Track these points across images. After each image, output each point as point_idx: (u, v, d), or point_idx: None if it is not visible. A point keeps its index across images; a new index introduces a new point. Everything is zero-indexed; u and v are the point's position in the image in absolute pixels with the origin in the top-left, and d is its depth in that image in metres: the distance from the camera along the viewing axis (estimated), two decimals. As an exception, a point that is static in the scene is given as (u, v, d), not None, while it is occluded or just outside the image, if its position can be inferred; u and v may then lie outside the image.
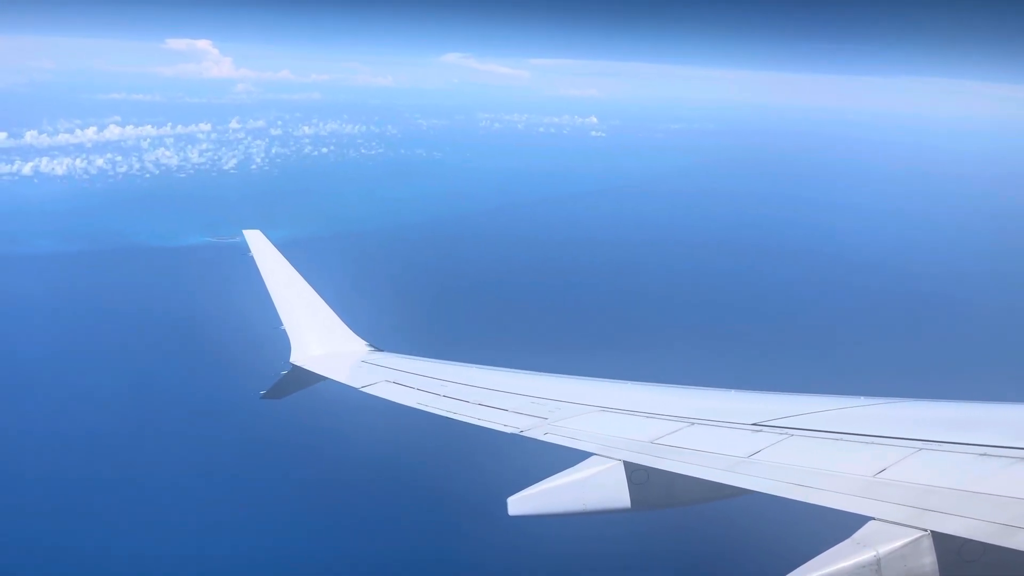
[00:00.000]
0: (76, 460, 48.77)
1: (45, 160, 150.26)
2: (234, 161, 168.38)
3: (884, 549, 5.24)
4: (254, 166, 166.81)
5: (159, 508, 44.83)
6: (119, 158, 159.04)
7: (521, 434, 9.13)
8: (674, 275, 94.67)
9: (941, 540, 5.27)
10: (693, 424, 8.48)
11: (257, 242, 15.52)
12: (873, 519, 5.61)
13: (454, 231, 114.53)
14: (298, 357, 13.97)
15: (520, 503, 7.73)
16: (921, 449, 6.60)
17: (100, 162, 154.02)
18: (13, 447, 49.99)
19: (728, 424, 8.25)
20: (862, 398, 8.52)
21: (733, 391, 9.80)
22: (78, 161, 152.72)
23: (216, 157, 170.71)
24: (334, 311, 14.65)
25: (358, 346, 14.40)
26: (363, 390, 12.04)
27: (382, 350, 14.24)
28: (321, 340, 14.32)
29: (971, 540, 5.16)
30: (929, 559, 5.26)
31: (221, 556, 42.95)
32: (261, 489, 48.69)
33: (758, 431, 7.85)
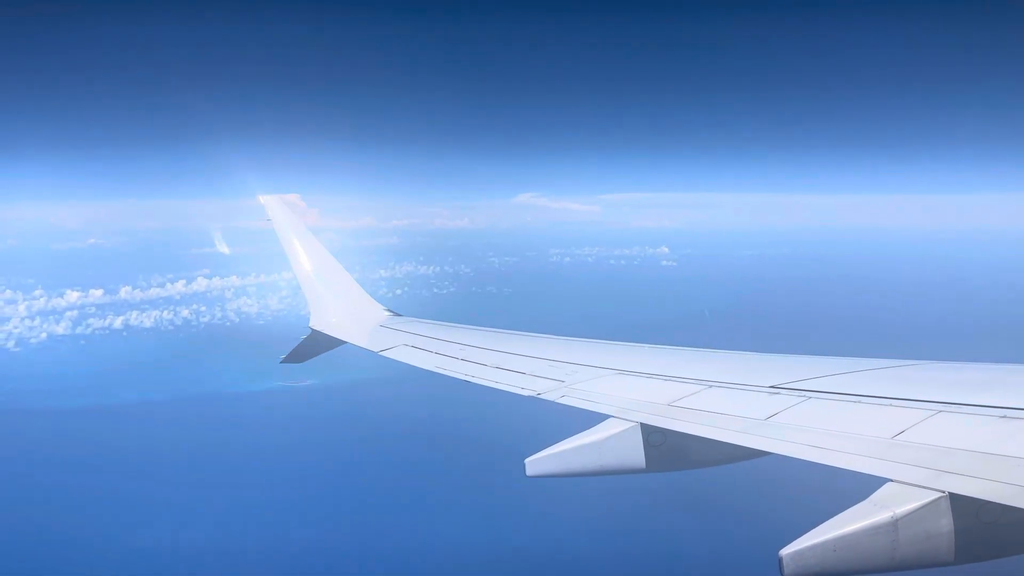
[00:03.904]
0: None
1: (135, 313, 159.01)
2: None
3: (901, 510, 5.22)
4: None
5: None
6: (203, 308, 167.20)
7: (538, 397, 9.22)
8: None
9: (959, 502, 5.23)
10: (711, 387, 8.50)
11: (275, 207, 15.68)
12: (891, 481, 5.58)
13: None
14: (317, 321, 14.36)
15: (537, 464, 7.75)
16: (940, 411, 6.61)
17: (186, 312, 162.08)
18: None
19: (746, 387, 8.29)
20: (881, 360, 8.62)
21: (751, 354, 9.87)
22: (165, 313, 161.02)
23: (293, 303, 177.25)
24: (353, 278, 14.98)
25: (377, 311, 14.72)
26: (382, 354, 12.31)
27: (401, 315, 14.38)
28: (340, 305, 14.73)
29: (989, 502, 5.13)
30: (946, 521, 5.22)
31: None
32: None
33: (776, 393, 7.88)
